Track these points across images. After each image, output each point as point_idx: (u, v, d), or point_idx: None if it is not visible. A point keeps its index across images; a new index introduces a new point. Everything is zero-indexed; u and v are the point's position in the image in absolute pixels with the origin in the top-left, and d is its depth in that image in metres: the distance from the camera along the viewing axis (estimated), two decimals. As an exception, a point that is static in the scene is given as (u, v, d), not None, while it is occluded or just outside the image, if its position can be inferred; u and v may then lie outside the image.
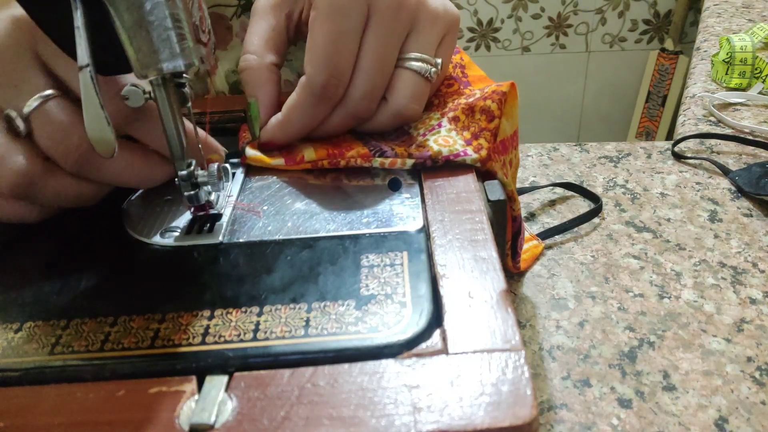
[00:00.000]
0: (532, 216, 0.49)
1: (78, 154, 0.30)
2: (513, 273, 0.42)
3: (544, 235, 0.45)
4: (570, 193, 0.51)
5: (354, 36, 0.33)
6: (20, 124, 0.29)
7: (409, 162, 0.33)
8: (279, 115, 0.35)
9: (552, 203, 0.50)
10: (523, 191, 0.50)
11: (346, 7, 0.32)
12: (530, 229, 0.46)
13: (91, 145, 0.28)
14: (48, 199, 0.31)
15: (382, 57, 0.34)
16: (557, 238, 0.46)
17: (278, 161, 0.35)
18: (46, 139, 0.29)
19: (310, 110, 0.34)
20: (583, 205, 0.49)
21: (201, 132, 0.34)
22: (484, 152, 0.33)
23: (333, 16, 0.32)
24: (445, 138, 0.34)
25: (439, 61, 0.36)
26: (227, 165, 0.34)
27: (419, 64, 0.35)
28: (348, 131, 0.37)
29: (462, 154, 0.33)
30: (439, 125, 0.35)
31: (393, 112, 0.35)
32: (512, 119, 0.35)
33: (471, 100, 0.35)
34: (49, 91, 0.30)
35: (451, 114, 0.35)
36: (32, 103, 0.29)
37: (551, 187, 0.52)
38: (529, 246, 0.44)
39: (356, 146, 0.35)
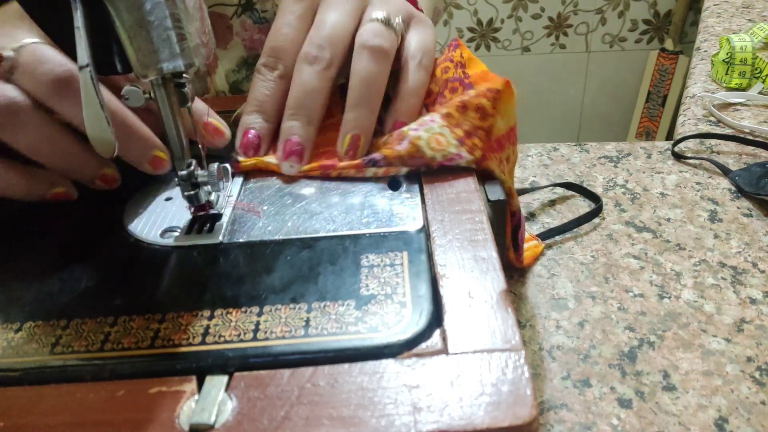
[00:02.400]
0: (532, 216, 0.49)
1: (55, 78, 0.31)
2: (514, 271, 0.42)
3: (545, 235, 0.45)
4: (570, 192, 0.51)
5: (295, 24, 0.37)
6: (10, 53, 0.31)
7: (404, 170, 0.33)
8: None
9: (552, 203, 0.50)
10: (523, 192, 0.50)
11: (287, 6, 0.38)
12: (530, 230, 0.46)
13: (65, 76, 0.30)
14: None
15: (331, 20, 0.37)
16: (557, 237, 0.46)
17: (272, 159, 0.36)
18: (29, 67, 0.31)
19: (260, 84, 0.37)
20: (583, 205, 0.49)
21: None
22: (478, 153, 0.33)
23: (278, 16, 0.38)
24: (437, 138, 0.33)
25: (398, 19, 0.38)
26: (227, 165, 0.34)
27: (376, 14, 0.37)
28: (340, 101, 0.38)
29: (456, 157, 0.33)
30: (432, 120, 0.34)
31: (358, 47, 0.36)
32: (507, 116, 0.35)
33: (465, 98, 0.34)
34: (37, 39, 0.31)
35: (444, 110, 0.34)
36: (23, 42, 0.31)
37: (551, 187, 0.52)
38: (529, 245, 0.43)
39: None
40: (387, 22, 0.37)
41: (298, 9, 0.38)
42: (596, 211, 0.47)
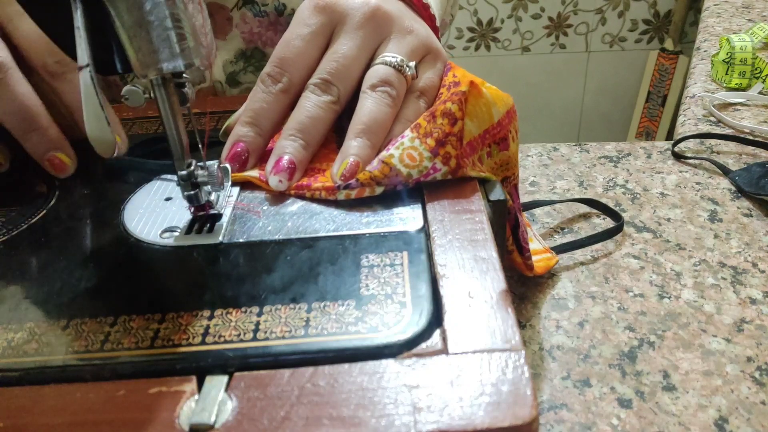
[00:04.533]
0: (544, 228, 0.49)
1: None
2: (514, 271, 0.42)
3: (560, 249, 0.44)
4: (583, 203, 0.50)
5: (308, 38, 0.37)
6: None
7: (379, 189, 0.32)
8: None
9: (569, 218, 0.50)
10: (538, 204, 0.49)
11: (303, 17, 0.37)
12: (544, 242, 0.45)
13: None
14: None
15: (346, 53, 0.36)
16: (557, 238, 0.46)
17: (253, 173, 0.35)
18: None
19: (260, 96, 0.36)
20: (595, 217, 0.49)
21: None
22: (453, 162, 0.32)
23: (292, 25, 0.37)
24: (409, 153, 0.32)
25: (412, 63, 0.36)
26: (227, 165, 0.34)
27: (389, 58, 0.36)
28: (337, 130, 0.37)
29: (432, 171, 0.32)
30: (402, 136, 0.33)
31: (365, 88, 0.36)
32: (478, 118, 0.34)
33: (432, 107, 0.34)
34: None
35: (414, 123, 0.34)
36: None
37: (562, 201, 0.51)
38: (542, 257, 0.43)
39: (326, 175, 0.34)
40: (399, 68, 0.36)
41: (314, 23, 0.37)
42: (617, 230, 0.45)
